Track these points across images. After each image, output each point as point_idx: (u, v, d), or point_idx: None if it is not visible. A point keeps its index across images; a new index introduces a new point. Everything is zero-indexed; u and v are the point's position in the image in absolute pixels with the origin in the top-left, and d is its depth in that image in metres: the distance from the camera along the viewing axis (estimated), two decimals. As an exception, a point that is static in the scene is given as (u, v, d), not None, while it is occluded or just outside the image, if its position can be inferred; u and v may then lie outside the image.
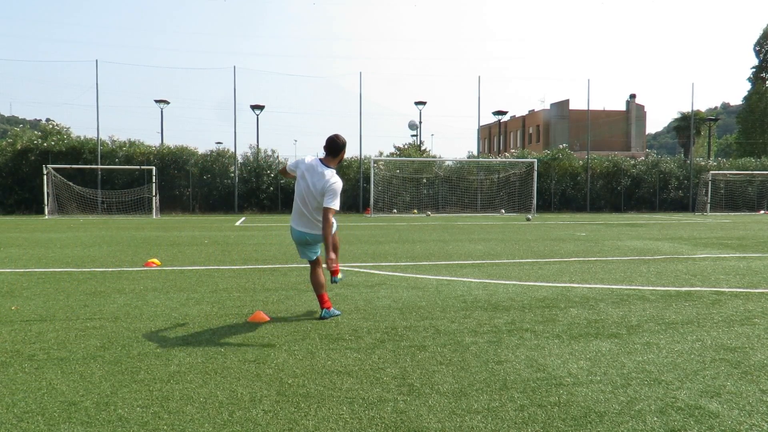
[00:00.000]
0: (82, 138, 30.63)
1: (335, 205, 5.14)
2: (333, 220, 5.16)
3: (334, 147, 5.39)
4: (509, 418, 3.15)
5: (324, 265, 5.39)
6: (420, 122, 40.25)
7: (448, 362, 4.13)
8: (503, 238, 14.71)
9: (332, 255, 5.07)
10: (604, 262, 9.71)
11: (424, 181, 33.10)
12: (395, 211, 31.14)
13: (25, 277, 8.10)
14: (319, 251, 5.57)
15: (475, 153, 38.71)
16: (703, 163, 37.41)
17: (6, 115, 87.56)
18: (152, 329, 5.10)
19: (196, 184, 31.06)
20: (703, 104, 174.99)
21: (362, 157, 32.61)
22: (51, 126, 31.57)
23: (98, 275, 8.24)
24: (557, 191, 34.51)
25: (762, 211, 35.24)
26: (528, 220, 24.75)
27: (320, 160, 5.42)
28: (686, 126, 51.26)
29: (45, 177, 26.89)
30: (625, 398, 3.44)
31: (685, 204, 35.91)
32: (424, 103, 37.82)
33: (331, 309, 5.60)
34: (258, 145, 32.63)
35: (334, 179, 5.23)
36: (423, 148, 39.58)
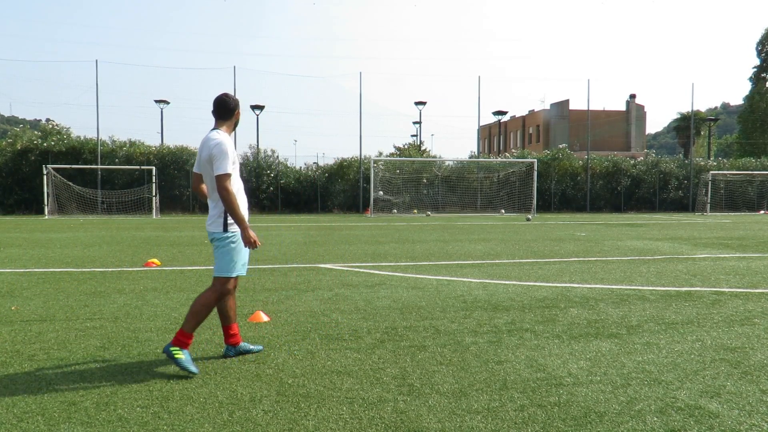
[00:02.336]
0: (82, 138, 30.65)
1: (224, 168, 3.91)
2: (232, 188, 3.94)
3: (222, 107, 4.15)
4: (509, 418, 3.15)
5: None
6: (420, 122, 40.27)
7: (448, 362, 4.13)
8: (503, 238, 14.70)
9: (249, 232, 3.99)
10: (604, 262, 9.71)
11: (424, 181, 33.09)
12: (395, 211, 31.13)
13: (25, 277, 8.09)
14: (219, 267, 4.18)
15: (476, 153, 38.69)
16: (703, 163, 37.40)
17: (6, 115, 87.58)
18: (152, 329, 5.10)
19: (196, 184, 31.04)
20: (703, 104, 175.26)
21: (362, 157, 32.63)
22: (51, 126, 31.60)
23: (98, 275, 8.24)
24: (557, 191, 34.50)
25: (762, 211, 35.24)
26: (528, 220, 24.74)
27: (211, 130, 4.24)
28: (686, 126, 51.25)
29: (45, 177, 26.90)
30: (625, 398, 3.44)
31: (685, 204, 35.91)
32: (424, 103, 37.84)
33: (239, 345, 4.32)
34: (258, 145, 32.66)
35: (216, 137, 4.02)
36: (423, 148, 39.60)
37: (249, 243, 4.00)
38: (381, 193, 30.67)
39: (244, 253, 4.24)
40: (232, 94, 4.29)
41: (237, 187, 4.10)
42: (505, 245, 12.81)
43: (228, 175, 3.94)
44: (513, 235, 15.74)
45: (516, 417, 3.16)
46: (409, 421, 3.11)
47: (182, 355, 3.85)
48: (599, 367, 4.02)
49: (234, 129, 4.31)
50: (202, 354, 4.34)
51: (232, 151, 4.04)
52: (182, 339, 3.92)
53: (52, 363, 4.12)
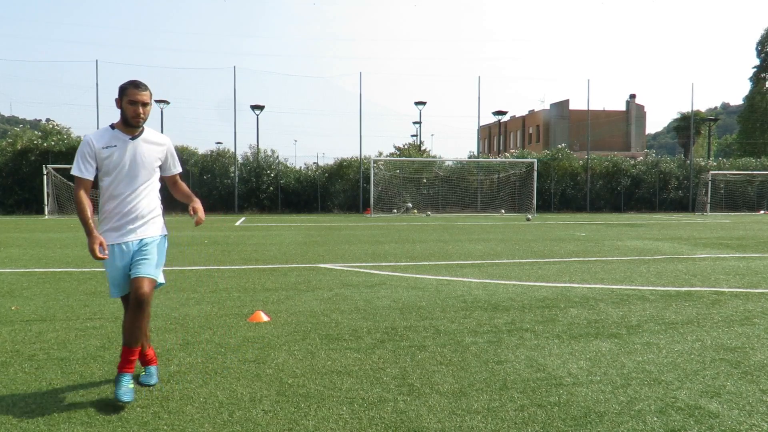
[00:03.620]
0: (83, 138, 30.63)
1: (73, 170, 3.55)
2: (83, 196, 3.59)
3: None
4: (509, 418, 3.15)
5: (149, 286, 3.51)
6: (420, 122, 40.30)
7: (448, 362, 4.13)
8: (503, 238, 14.70)
9: (89, 241, 3.46)
10: (604, 262, 9.71)
11: (424, 181, 33.09)
12: (395, 211, 31.13)
13: (25, 277, 8.09)
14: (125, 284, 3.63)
15: (476, 153, 38.71)
16: (703, 163, 37.38)
17: (6, 115, 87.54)
18: (152, 329, 5.08)
19: (196, 184, 31.02)
20: (703, 104, 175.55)
21: (362, 157, 32.63)
22: (51, 126, 31.57)
23: (98, 275, 8.24)
24: (557, 191, 34.49)
25: (762, 211, 35.23)
26: (528, 220, 24.74)
27: None
28: (686, 126, 51.20)
29: (45, 177, 26.90)
30: (625, 398, 3.44)
31: (685, 204, 35.90)
32: (424, 103, 37.83)
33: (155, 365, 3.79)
34: (258, 145, 32.66)
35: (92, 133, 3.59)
36: (423, 148, 39.61)
37: (91, 254, 3.41)
38: (410, 205, 31.11)
39: (110, 271, 3.57)
40: (144, 82, 3.55)
41: (111, 194, 3.64)
42: (505, 245, 12.81)
43: (76, 178, 3.50)
44: (513, 235, 15.74)
45: (516, 417, 3.16)
46: (409, 421, 3.11)
47: (142, 371, 3.77)
48: (599, 367, 4.02)
49: (129, 124, 3.57)
50: (202, 354, 4.34)
51: (89, 150, 3.51)
52: (139, 359, 3.73)
53: (52, 363, 4.12)
